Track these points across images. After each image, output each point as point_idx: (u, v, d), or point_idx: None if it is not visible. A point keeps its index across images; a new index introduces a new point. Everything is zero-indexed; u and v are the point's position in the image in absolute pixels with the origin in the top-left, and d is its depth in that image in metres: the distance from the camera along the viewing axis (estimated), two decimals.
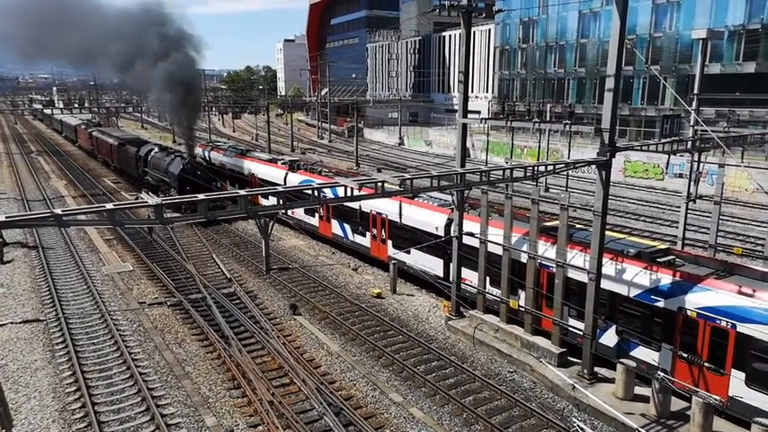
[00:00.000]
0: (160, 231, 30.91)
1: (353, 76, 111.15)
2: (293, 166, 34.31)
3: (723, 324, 13.84)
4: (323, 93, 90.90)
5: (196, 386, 16.13)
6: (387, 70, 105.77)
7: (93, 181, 49.46)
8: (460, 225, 19.57)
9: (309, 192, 13.31)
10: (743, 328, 13.42)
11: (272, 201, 27.36)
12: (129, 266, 26.38)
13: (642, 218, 35.61)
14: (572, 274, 16.75)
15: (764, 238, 23.70)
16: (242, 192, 11.41)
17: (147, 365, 17.31)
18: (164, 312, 21.30)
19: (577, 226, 20.37)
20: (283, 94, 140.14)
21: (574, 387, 15.28)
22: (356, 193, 12.97)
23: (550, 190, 42.04)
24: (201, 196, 10.96)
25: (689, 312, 14.48)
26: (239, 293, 22.92)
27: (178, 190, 34.59)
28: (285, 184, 32.30)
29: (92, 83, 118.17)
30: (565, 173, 33.35)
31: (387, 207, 24.91)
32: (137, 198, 36.85)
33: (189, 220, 11.71)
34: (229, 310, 21.07)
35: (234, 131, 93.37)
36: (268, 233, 23.18)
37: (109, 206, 10.57)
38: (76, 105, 68.45)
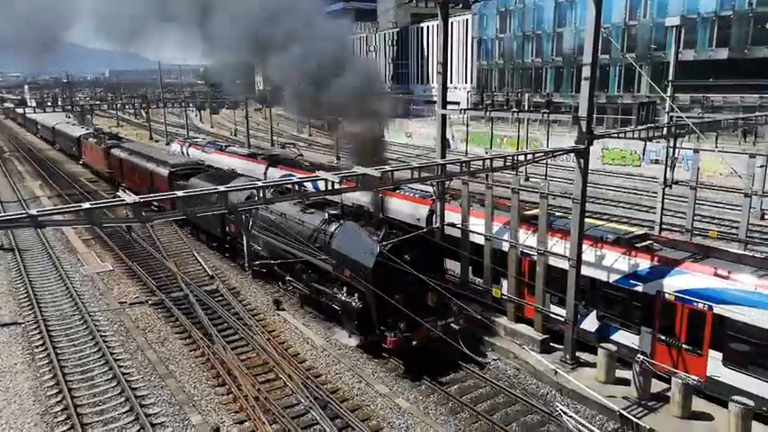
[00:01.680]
0: (139, 230, 30.51)
1: None
2: (273, 161, 34.05)
3: (700, 306, 14.12)
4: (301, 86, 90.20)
5: (180, 384, 16.02)
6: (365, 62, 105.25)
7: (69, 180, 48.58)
8: (442, 216, 19.64)
9: (290, 186, 13.25)
10: (719, 309, 13.72)
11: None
12: (109, 266, 26.02)
13: (620, 204, 36.09)
14: (553, 261, 16.94)
15: (739, 221, 24.19)
16: (221, 188, 11.30)
17: (130, 365, 17.14)
18: (145, 311, 21.08)
19: (557, 214, 20.57)
20: (261, 88, 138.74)
21: (556, 372, 15.49)
22: (337, 186, 12.94)
23: (530, 179, 42.38)
24: (180, 193, 10.84)
25: (667, 296, 14.75)
26: (222, 290, 22.77)
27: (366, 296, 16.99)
28: (265, 178, 32.06)
29: (65, 80, 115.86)
30: (544, 161, 33.66)
31: (368, 199, 24.85)
32: (114, 196, 34.43)
33: (168, 217, 11.57)
34: (212, 307, 20.92)
35: (212, 127, 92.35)
36: (248, 229, 23.01)
37: (86, 205, 10.41)
38: (49, 104, 65.62)
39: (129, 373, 16.60)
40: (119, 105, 67.54)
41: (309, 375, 16.30)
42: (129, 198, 10.71)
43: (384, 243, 16.39)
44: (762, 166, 25.44)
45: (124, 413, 14.75)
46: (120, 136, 52.82)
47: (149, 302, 21.79)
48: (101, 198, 37.46)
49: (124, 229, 30.60)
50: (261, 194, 12.20)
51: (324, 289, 18.77)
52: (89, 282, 24.07)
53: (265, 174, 32.66)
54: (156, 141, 69.93)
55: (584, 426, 13.02)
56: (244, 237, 23.63)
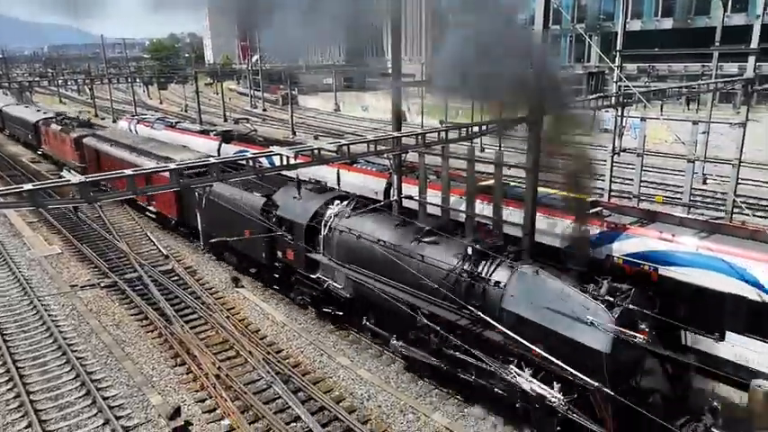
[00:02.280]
0: (87, 211, 29.50)
1: None
2: (227, 137, 33.28)
3: (646, 268, 14.75)
4: (254, 60, 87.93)
5: (138, 366, 15.79)
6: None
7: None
8: (399, 189, 19.71)
9: (244, 162, 12.99)
10: (663, 270, 14.38)
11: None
12: (57, 249, 25.12)
13: None
14: (508, 229, 17.28)
15: (683, 186, 25.22)
16: (172, 165, 11.01)
17: (84, 349, 16.76)
18: (98, 294, 20.54)
19: (512, 183, 20.96)
20: (212, 62, 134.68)
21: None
22: (292, 161, 12.77)
23: (486, 150, 42.86)
24: (129, 171, 10.51)
25: (615, 259, 15.33)
26: (177, 270, 22.36)
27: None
28: (219, 155, 31.37)
29: (0, 56, 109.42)
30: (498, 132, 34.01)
31: (324, 174, 24.72)
32: (59, 177, 32.09)
33: (117, 197, 11.20)
34: (168, 288, 20.56)
35: (161, 103, 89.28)
36: (203, 206, 22.57)
37: (28, 186, 9.96)
38: None
39: (83, 358, 16.24)
40: (60, 82, 64.08)
41: (271, 351, 16.31)
42: (75, 178, 10.31)
43: (617, 303, 10.78)
44: (704, 133, 26.48)
45: (80, 397, 14.46)
46: (91, 122, 46.54)
47: (102, 285, 21.22)
48: (45, 179, 35.82)
49: (71, 211, 29.56)
50: (214, 171, 11.92)
51: (478, 364, 12.44)
52: (37, 266, 23.22)
53: (219, 150, 31.94)
54: (102, 119, 67.21)
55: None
56: (198, 216, 23.18)
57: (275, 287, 20.14)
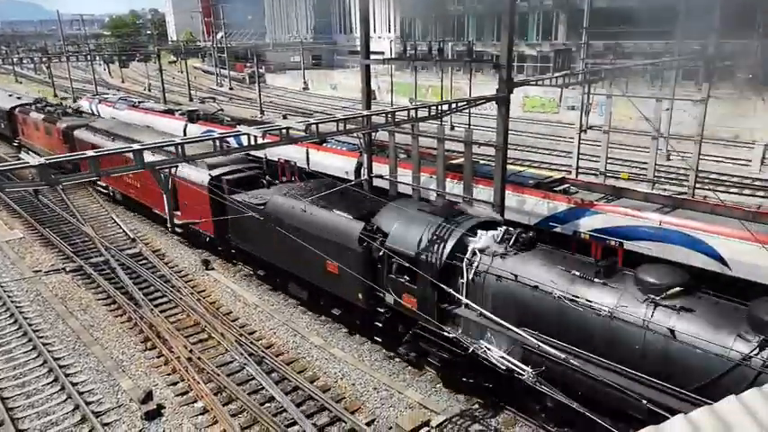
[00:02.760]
0: (49, 194, 28.65)
1: (250, 18, 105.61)
2: (192, 117, 32.58)
3: (612, 243, 15.09)
4: (219, 37, 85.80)
5: (107, 351, 15.56)
6: (285, 12, 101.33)
7: None
8: (369, 168, 19.67)
9: (211, 142, 12.74)
10: (629, 245, 14.73)
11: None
12: (19, 233, 24.38)
13: (540, 150, 37.45)
14: (479, 207, 17.45)
15: (647, 163, 25.79)
16: (135, 146, 10.73)
17: (51, 335, 16.41)
18: (63, 279, 20.07)
19: (482, 162, 21.11)
20: (174, 39, 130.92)
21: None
22: (260, 141, 12.58)
23: (455, 128, 42.99)
24: (90, 153, 10.21)
25: (582, 235, 15.63)
26: (145, 253, 21.98)
27: None
28: (185, 135, 30.72)
29: None
30: (467, 111, 34.14)
31: (294, 154, 24.46)
32: (17, 159, 29.80)
33: (78, 179, 10.87)
34: (136, 271, 20.20)
35: (123, 82, 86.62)
36: (169, 188, 22.08)
37: None
38: None
39: (50, 344, 15.90)
40: (15, 60, 61.36)
41: (243, 333, 16.25)
42: (34, 160, 9.97)
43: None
44: (667, 110, 27.04)
45: (48, 384, 14.20)
46: (81, 110, 40.10)
47: (67, 270, 20.73)
48: (2, 161, 34.57)
49: (31, 194, 28.66)
50: (180, 151, 11.66)
51: None
52: None
53: (185, 130, 31.27)
54: (63, 99, 64.95)
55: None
56: (164, 197, 22.66)
57: (376, 339, 15.46)
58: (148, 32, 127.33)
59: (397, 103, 49.10)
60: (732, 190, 27.49)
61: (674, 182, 28.64)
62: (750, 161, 31.58)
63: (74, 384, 13.97)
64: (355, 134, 18.09)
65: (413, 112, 15.21)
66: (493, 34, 62.56)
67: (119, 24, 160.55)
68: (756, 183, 28.69)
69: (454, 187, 18.29)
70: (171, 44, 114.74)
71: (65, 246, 22.58)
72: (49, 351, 15.36)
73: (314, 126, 13.14)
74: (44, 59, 63.00)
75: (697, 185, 22.39)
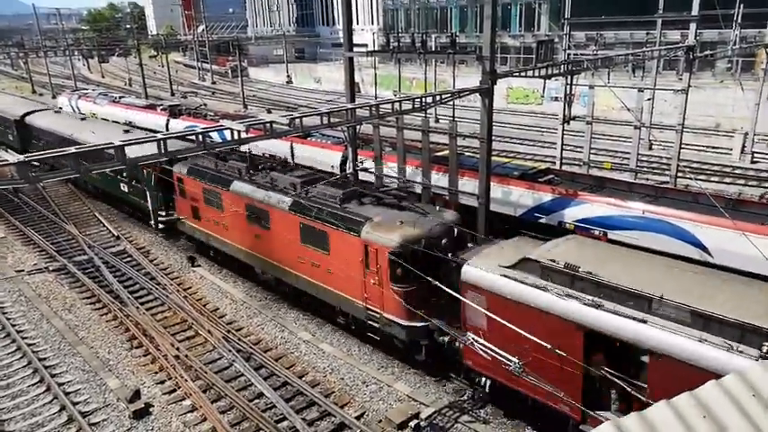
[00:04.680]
0: (30, 192, 28.20)
1: (231, 10, 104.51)
2: (174, 112, 32.24)
3: (596, 232, 15.27)
4: (199, 30, 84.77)
5: (93, 350, 15.41)
6: (267, 4, 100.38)
7: None
8: (354, 161, 19.61)
9: (194, 137, 12.62)
10: (612, 234, 14.92)
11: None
12: (0, 233, 24.00)
13: (525, 141, 37.63)
14: (463, 199, 17.53)
15: (630, 153, 26.04)
16: (117, 142, 10.58)
17: (36, 335, 16.21)
18: (46, 279, 19.81)
19: (467, 154, 21.17)
20: (155, 33, 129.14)
21: None
22: (244, 135, 12.49)
23: (440, 120, 43.02)
24: (72, 149, 10.05)
25: (567, 225, 15.79)
26: (130, 251, 21.76)
27: None
28: (167, 131, 30.39)
29: None
30: (452, 103, 34.17)
31: (278, 148, 24.33)
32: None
33: (59, 177, 10.70)
34: (121, 269, 20.01)
35: (103, 77, 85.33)
36: (152, 184, 21.89)
37: None
38: None
39: (35, 344, 15.71)
40: None
41: (231, 329, 16.18)
42: (13, 157, 9.80)
43: None
44: (649, 100, 27.29)
45: (34, 385, 14.04)
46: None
47: (50, 269, 20.46)
48: None
49: (11, 193, 28.20)
50: (162, 147, 11.53)
51: None
52: None
53: (167, 126, 30.95)
54: (41, 95, 63.85)
55: None
56: (148, 194, 22.47)
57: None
58: (128, 26, 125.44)
59: (381, 95, 49.04)
60: (713, 178, 27.87)
61: (656, 171, 28.96)
62: (730, 150, 32.02)
63: (60, 385, 13.83)
64: (340, 127, 18.03)
65: (397, 105, 15.18)
66: (476, 25, 62.57)
67: (97, 18, 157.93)
68: (737, 171, 29.11)
69: (440, 179, 18.33)
70: (151, 38, 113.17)
71: (47, 245, 22.28)
72: (33, 351, 15.18)
73: (298, 120, 13.07)
74: (21, 55, 61.79)
75: (679, 174, 22.65)
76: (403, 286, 13.22)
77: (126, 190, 24.56)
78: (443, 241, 13.39)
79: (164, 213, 22.25)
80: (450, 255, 12.86)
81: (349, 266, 14.28)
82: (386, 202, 15.39)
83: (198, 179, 19.37)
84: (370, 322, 14.30)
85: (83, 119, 31.03)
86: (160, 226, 22.43)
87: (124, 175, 23.84)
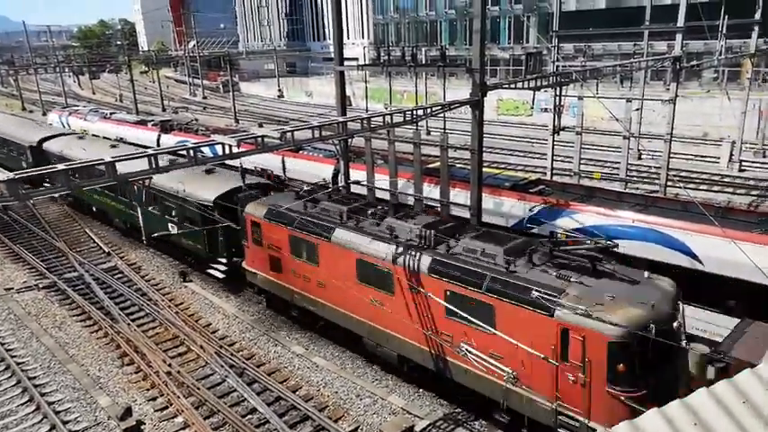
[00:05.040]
0: (20, 209, 28.01)
1: (222, 26, 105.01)
2: (166, 127, 32.22)
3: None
4: (190, 46, 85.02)
5: (84, 368, 15.24)
6: (258, 19, 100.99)
7: None
8: (346, 174, 19.65)
9: (185, 152, 12.62)
10: None
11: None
12: None
13: (515, 152, 37.87)
14: (455, 210, 17.57)
15: (619, 162, 26.26)
16: (108, 158, 10.55)
17: (25, 354, 16.02)
18: (36, 296, 19.62)
19: (458, 165, 21.26)
20: (146, 48, 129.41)
21: None
22: (235, 150, 12.50)
23: (431, 132, 43.25)
24: (61, 166, 10.01)
25: (559, 235, 15.83)
26: (121, 267, 21.61)
27: None
28: (159, 146, 30.35)
29: None
30: (442, 115, 34.39)
31: (270, 162, 24.35)
32: None
33: (50, 193, 10.66)
34: (112, 286, 19.86)
35: (94, 93, 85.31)
36: (143, 200, 21.80)
37: None
38: None
39: (24, 362, 15.52)
40: None
41: (223, 344, 16.07)
42: (2, 174, 9.75)
43: None
44: (637, 110, 27.58)
45: (23, 404, 13.85)
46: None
47: (40, 286, 20.27)
48: None
49: (1, 210, 28.00)
50: (154, 163, 11.52)
51: None
52: None
53: (158, 141, 30.91)
54: (31, 112, 63.64)
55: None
56: (139, 210, 22.36)
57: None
58: (119, 42, 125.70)
59: (372, 108, 49.24)
60: (702, 187, 28.12)
61: (645, 180, 29.19)
62: (718, 158, 32.36)
63: (50, 403, 13.65)
64: (331, 141, 18.08)
65: (388, 118, 15.26)
66: (465, 38, 63.19)
67: (88, 35, 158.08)
68: (725, 179, 29.39)
69: (431, 191, 18.38)
70: (142, 54, 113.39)
71: (37, 262, 22.09)
72: (23, 370, 14.99)
73: (289, 134, 13.10)
74: (11, 72, 61.67)
75: (668, 183, 22.85)
76: (629, 389, 9.77)
77: (175, 230, 20.76)
78: (675, 324, 10.05)
79: (225, 261, 19.34)
80: (685, 342, 9.98)
81: (529, 354, 10.68)
82: (570, 263, 11.62)
83: (281, 224, 15.93)
84: (561, 430, 10.80)
85: (113, 146, 27.24)
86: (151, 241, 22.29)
87: (174, 214, 20.39)
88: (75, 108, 45.58)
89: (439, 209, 17.70)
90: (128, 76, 58.25)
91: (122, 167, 10.55)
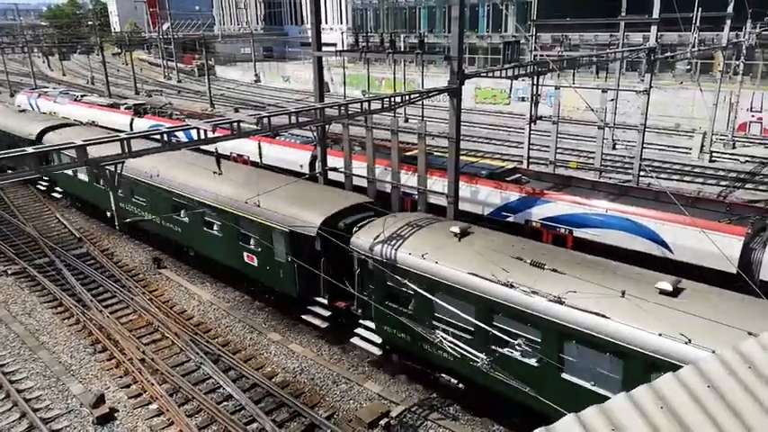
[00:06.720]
0: None
1: (197, 8, 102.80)
2: (139, 111, 31.60)
3: (562, 231, 15.56)
4: (165, 27, 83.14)
5: (55, 355, 14.99)
6: (234, 2, 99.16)
7: None
8: (323, 161, 19.57)
9: (158, 137, 12.39)
10: (578, 232, 15.22)
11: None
12: None
13: (492, 141, 38.08)
14: (433, 199, 17.65)
15: (594, 152, 26.62)
16: (79, 141, 10.31)
17: None
18: (4, 282, 19.17)
19: (435, 153, 21.31)
20: (118, 30, 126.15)
21: None
22: (210, 135, 12.32)
23: (409, 120, 43.18)
24: (30, 149, 9.76)
25: (534, 224, 16.05)
26: (93, 253, 21.23)
27: None
28: (132, 130, 29.75)
29: None
30: (421, 103, 34.36)
31: (246, 147, 24.08)
32: None
33: (15, 178, 10.38)
34: (84, 272, 19.51)
35: (64, 75, 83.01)
36: (114, 184, 21.36)
37: None
38: None
39: None
40: None
41: (198, 331, 15.95)
42: None
43: None
44: (612, 100, 27.92)
45: None
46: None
47: (9, 272, 19.82)
48: None
49: None
50: (126, 147, 11.28)
51: None
52: None
53: (131, 125, 30.31)
54: None
55: None
56: (111, 194, 21.89)
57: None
58: (90, 23, 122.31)
59: (350, 95, 48.90)
60: (674, 177, 28.69)
61: (619, 170, 29.66)
62: (690, 149, 33.01)
63: (20, 391, 13.40)
64: (309, 127, 17.93)
65: (366, 105, 15.18)
66: (444, 26, 63.01)
67: (57, 14, 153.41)
68: (696, 170, 30.02)
69: (409, 179, 18.41)
70: (114, 35, 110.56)
71: (6, 247, 21.56)
72: None
73: (266, 119, 12.96)
74: None
75: (641, 173, 23.25)
76: None
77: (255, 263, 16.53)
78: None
79: (325, 302, 15.30)
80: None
81: None
82: None
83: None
84: None
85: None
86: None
87: (249, 243, 16.35)
88: (45, 90, 44.38)
89: (416, 197, 17.77)
90: (99, 58, 56.84)
91: (94, 151, 10.30)
